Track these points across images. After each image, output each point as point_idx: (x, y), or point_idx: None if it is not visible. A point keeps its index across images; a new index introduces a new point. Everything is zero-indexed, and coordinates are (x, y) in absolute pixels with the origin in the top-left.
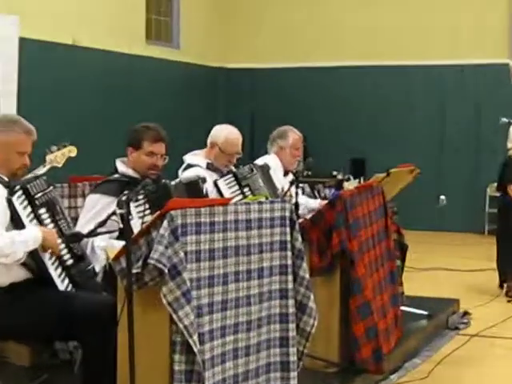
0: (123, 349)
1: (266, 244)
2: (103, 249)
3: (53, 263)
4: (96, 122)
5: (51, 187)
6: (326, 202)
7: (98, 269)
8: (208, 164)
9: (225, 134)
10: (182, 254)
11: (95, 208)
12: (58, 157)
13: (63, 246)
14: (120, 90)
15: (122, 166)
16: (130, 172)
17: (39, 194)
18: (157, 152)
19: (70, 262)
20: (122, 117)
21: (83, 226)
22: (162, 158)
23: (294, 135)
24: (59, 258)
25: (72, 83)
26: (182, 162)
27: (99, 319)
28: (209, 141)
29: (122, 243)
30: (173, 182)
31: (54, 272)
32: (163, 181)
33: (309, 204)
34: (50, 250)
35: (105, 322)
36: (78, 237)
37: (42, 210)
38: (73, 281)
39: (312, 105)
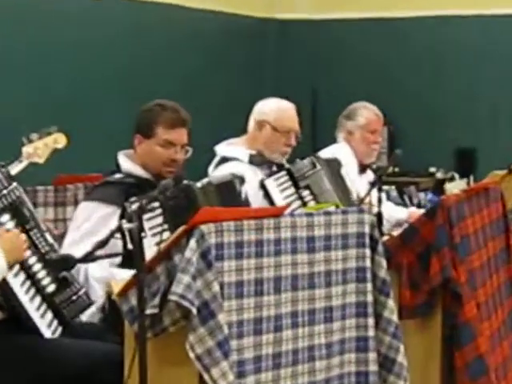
0: None
1: (337, 273)
2: (102, 281)
3: (27, 291)
4: (93, 99)
5: (14, 184)
6: (420, 211)
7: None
8: (251, 157)
9: (275, 106)
10: (216, 288)
11: (90, 221)
12: (40, 149)
13: (39, 266)
14: (129, 53)
15: (126, 162)
16: (138, 170)
17: None
18: (175, 141)
19: (52, 288)
20: (131, 91)
21: (72, 245)
22: (182, 150)
23: (367, 113)
24: (35, 283)
25: (58, 40)
26: (213, 156)
27: (99, 379)
28: (253, 121)
29: (127, 273)
30: (198, 184)
31: (30, 304)
32: (185, 182)
33: (396, 215)
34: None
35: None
36: (69, 262)
37: (5, 218)
38: (58, 314)
39: (400, 74)
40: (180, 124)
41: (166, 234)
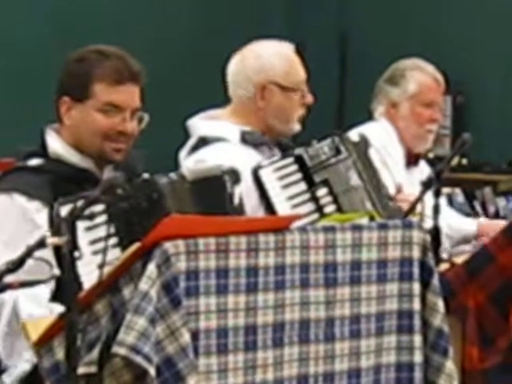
0: None
1: (368, 318)
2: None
3: None
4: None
5: None
6: (499, 224)
7: (25, 366)
8: (244, 134)
9: (277, 55)
10: (186, 337)
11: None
12: None
13: None
14: None
15: (55, 142)
16: (73, 155)
17: None
18: (122, 104)
19: None
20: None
21: None
22: (133, 117)
23: (420, 76)
24: None
25: None
26: (186, 135)
27: None
28: (253, 82)
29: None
30: (165, 179)
31: None
32: (145, 176)
33: (462, 228)
34: None
35: None
36: None
37: None
38: None
39: (471, 12)
40: (128, 78)
41: (115, 252)
